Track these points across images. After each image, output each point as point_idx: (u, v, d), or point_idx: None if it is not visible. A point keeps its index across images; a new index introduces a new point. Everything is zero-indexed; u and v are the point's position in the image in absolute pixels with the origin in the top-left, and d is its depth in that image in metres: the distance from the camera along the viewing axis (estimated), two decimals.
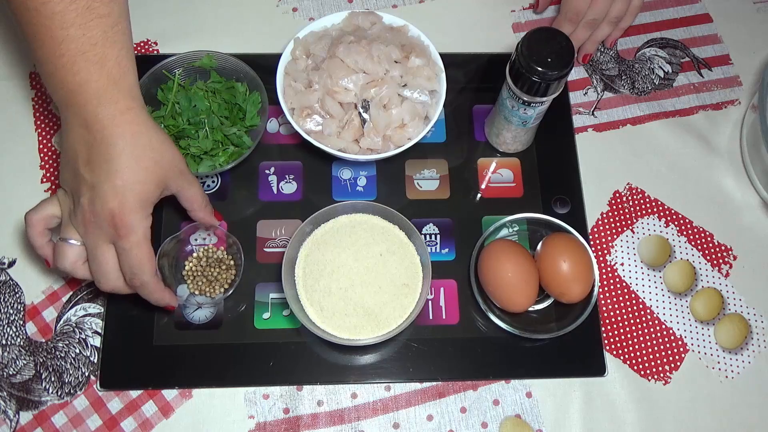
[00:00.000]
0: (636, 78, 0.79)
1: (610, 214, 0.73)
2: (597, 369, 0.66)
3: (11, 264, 0.68)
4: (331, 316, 0.61)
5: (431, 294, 0.68)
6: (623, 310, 0.69)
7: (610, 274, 0.71)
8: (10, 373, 0.65)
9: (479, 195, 0.73)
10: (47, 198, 0.58)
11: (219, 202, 0.71)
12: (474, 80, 0.77)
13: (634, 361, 0.67)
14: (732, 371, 0.67)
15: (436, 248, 0.70)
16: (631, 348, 0.68)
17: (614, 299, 0.70)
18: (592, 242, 0.72)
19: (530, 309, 0.67)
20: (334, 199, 0.71)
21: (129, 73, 0.53)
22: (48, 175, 0.72)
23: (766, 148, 0.67)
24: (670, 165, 0.75)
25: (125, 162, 0.52)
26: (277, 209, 0.70)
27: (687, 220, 0.73)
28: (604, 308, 0.69)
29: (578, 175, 0.73)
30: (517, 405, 0.65)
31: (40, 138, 0.73)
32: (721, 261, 0.72)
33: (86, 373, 0.65)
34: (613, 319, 0.69)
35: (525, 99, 0.63)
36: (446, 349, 0.66)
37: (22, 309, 0.67)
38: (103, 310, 0.67)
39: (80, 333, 0.66)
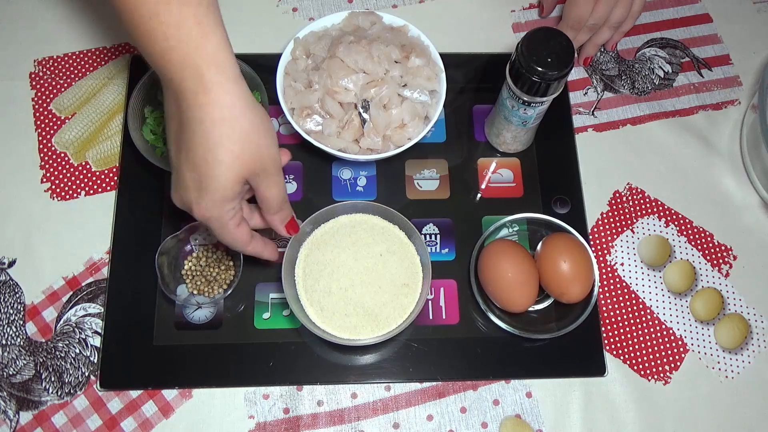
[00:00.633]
0: (636, 78, 0.79)
1: (610, 214, 0.73)
2: (597, 369, 0.66)
3: (11, 264, 0.68)
4: (331, 316, 0.61)
5: (431, 294, 0.68)
6: (623, 310, 0.69)
7: (610, 274, 0.71)
8: (10, 373, 0.65)
9: (479, 195, 0.73)
10: None
11: None
12: (474, 80, 0.77)
13: (634, 361, 0.67)
14: (732, 371, 0.67)
15: (436, 248, 0.70)
16: (631, 348, 0.68)
17: (614, 299, 0.70)
18: (592, 242, 0.72)
19: (530, 309, 0.67)
20: (334, 199, 0.71)
21: (212, 35, 0.46)
22: (48, 175, 0.72)
23: (766, 148, 0.67)
24: (670, 165, 0.75)
25: (201, 155, 0.48)
26: None
27: (687, 220, 0.73)
28: (604, 308, 0.69)
29: (578, 175, 0.73)
30: (517, 405, 0.65)
31: (40, 138, 0.74)
32: (721, 261, 0.72)
33: (86, 373, 0.65)
34: (613, 319, 0.69)
35: (525, 99, 0.63)
36: (446, 349, 0.66)
37: (22, 309, 0.67)
38: (103, 310, 0.67)
39: (80, 333, 0.66)
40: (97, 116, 0.75)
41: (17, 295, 0.67)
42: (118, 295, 0.67)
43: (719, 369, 0.67)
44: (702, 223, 0.73)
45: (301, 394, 0.65)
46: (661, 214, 0.73)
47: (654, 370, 0.67)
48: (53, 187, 0.72)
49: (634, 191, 0.74)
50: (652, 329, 0.69)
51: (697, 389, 0.67)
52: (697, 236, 0.72)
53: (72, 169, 0.72)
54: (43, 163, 0.72)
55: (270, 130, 0.50)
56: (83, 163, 0.73)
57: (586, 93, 0.78)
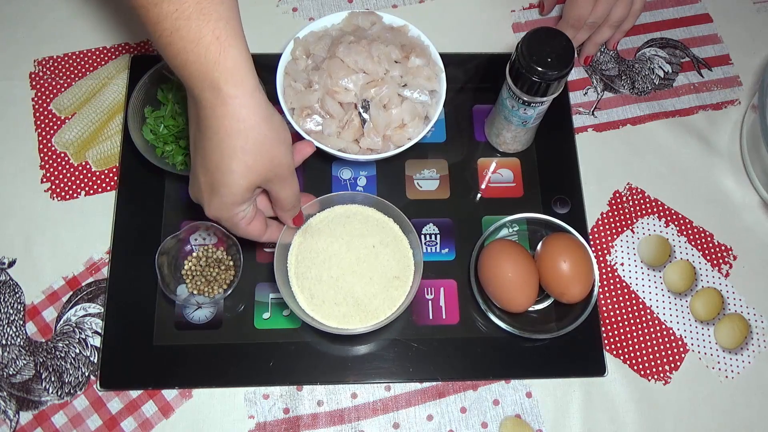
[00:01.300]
0: (636, 78, 0.79)
1: (610, 214, 0.73)
2: (597, 369, 0.66)
3: (11, 264, 0.68)
4: (321, 304, 0.61)
5: (431, 294, 0.68)
6: (623, 310, 0.69)
7: (610, 274, 0.71)
8: (10, 373, 0.65)
9: (479, 195, 0.73)
10: None
11: None
12: (474, 80, 0.77)
13: (634, 361, 0.67)
14: (732, 371, 0.67)
15: (436, 248, 0.70)
16: (631, 348, 0.68)
17: (614, 299, 0.70)
18: (592, 242, 0.72)
19: (530, 309, 0.67)
20: None
21: (231, 49, 0.47)
22: (48, 175, 0.72)
23: (766, 148, 0.67)
24: (670, 165, 0.75)
25: (215, 162, 0.49)
26: None
27: (687, 220, 0.73)
28: (604, 308, 0.69)
29: (578, 175, 0.73)
30: (517, 405, 0.65)
31: (40, 138, 0.74)
32: (721, 261, 0.72)
33: (86, 373, 0.65)
34: (613, 319, 0.69)
35: (525, 99, 0.63)
36: (446, 349, 0.66)
37: (22, 309, 0.67)
38: (103, 310, 0.67)
39: (80, 333, 0.66)
40: (97, 116, 0.75)
41: (17, 295, 0.67)
42: (118, 295, 0.67)
43: (719, 369, 0.67)
44: (702, 223, 0.73)
45: (301, 394, 0.65)
46: (661, 214, 0.73)
47: (654, 370, 0.67)
48: (53, 187, 0.72)
49: (634, 191, 0.74)
50: (652, 329, 0.69)
51: (697, 389, 0.67)
52: (697, 236, 0.72)
53: (72, 169, 0.72)
54: (43, 163, 0.72)
55: (284, 139, 0.52)
56: (83, 163, 0.73)
57: (586, 93, 0.78)
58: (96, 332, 0.66)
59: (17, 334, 0.66)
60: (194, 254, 0.68)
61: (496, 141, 0.73)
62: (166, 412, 0.64)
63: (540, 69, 0.59)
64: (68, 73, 0.76)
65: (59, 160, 0.73)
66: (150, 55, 0.77)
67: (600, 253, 0.71)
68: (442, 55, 0.69)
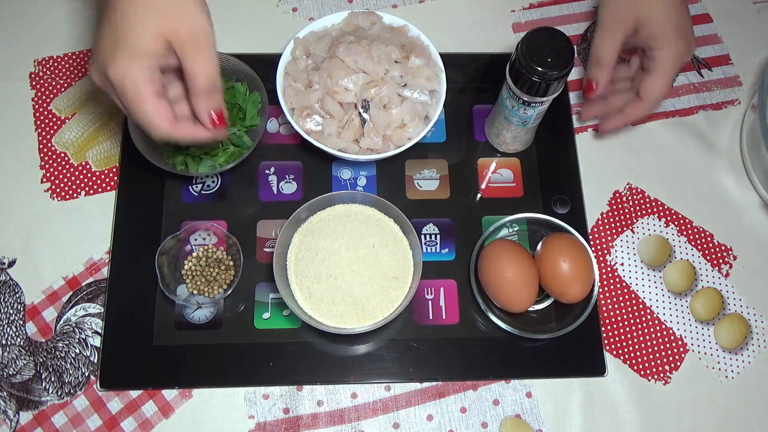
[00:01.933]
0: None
1: (610, 214, 0.73)
2: (597, 369, 0.66)
3: (11, 264, 0.68)
4: (319, 303, 0.61)
5: (431, 294, 0.68)
6: (623, 310, 0.69)
7: (610, 274, 0.71)
8: (10, 373, 0.65)
9: (479, 195, 0.73)
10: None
11: (219, 202, 0.71)
12: (474, 80, 0.77)
13: (634, 361, 0.67)
14: (732, 371, 0.67)
15: (436, 248, 0.70)
16: (631, 348, 0.68)
17: (614, 299, 0.70)
18: (592, 242, 0.72)
19: (530, 309, 0.67)
20: None
21: None
22: (48, 175, 0.72)
23: (766, 148, 0.67)
24: (670, 165, 0.75)
25: (120, 9, 0.47)
26: (277, 209, 0.70)
27: (687, 220, 0.73)
28: (604, 308, 0.69)
29: (578, 175, 0.73)
30: (517, 405, 0.65)
31: (40, 138, 0.74)
32: (721, 261, 0.72)
33: (86, 373, 0.65)
34: (613, 319, 0.69)
35: (525, 99, 0.63)
36: (446, 349, 0.66)
37: (22, 309, 0.67)
38: (103, 310, 0.67)
39: (80, 333, 0.66)
40: (97, 116, 0.75)
41: (17, 295, 0.67)
42: (118, 295, 0.67)
43: (719, 369, 0.67)
44: (702, 223, 0.73)
45: (301, 394, 0.65)
46: (661, 214, 0.73)
47: (654, 370, 0.67)
48: (53, 187, 0.72)
49: (634, 191, 0.74)
50: (652, 329, 0.69)
51: (697, 389, 0.67)
52: (697, 236, 0.72)
53: (72, 169, 0.72)
54: (43, 163, 0.72)
55: (201, 3, 0.49)
56: (83, 163, 0.73)
57: None
58: (96, 332, 0.66)
59: (17, 334, 0.66)
60: (194, 254, 0.68)
61: (496, 141, 0.73)
62: (166, 412, 0.64)
63: (540, 69, 0.59)
64: (68, 73, 0.76)
65: (59, 160, 0.73)
66: None
67: (600, 253, 0.71)
68: (442, 55, 0.69)
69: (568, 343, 0.66)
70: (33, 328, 0.66)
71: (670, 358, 0.68)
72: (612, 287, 0.70)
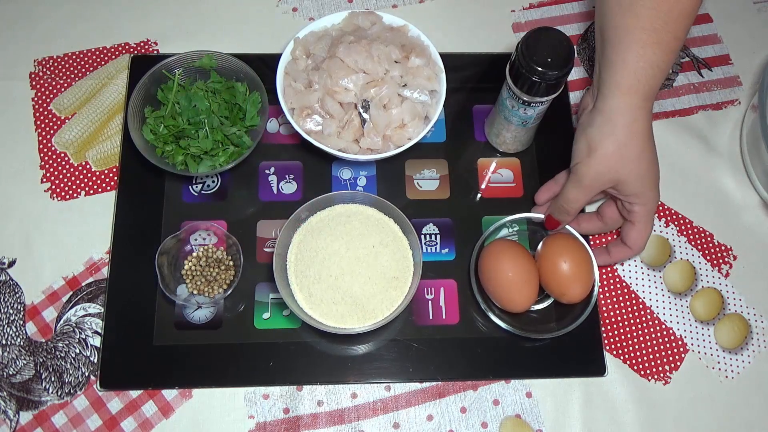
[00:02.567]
0: None
1: None
2: (597, 369, 0.66)
3: (11, 264, 0.68)
4: (319, 303, 0.61)
5: (431, 294, 0.68)
6: (623, 310, 0.69)
7: (610, 274, 0.71)
8: (10, 373, 0.65)
9: (479, 195, 0.73)
10: None
11: (219, 202, 0.71)
12: (474, 80, 0.77)
13: (634, 361, 0.67)
14: (732, 371, 0.67)
15: (436, 248, 0.70)
16: (631, 348, 0.68)
17: (614, 299, 0.70)
18: (592, 242, 0.72)
19: (530, 309, 0.67)
20: None
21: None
22: (48, 175, 0.72)
23: (766, 148, 0.67)
24: (670, 165, 0.75)
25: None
26: (277, 209, 0.71)
27: (687, 220, 0.73)
28: (604, 308, 0.69)
29: None
30: (517, 405, 0.65)
31: (40, 138, 0.74)
32: (721, 261, 0.72)
33: (86, 373, 0.65)
34: (613, 319, 0.69)
35: (525, 99, 0.63)
36: (446, 349, 0.66)
37: (22, 309, 0.67)
38: (103, 310, 0.67)
39: (80, 333, 0.66)
40: (97, 116, 0.75)
41: (17, 295, 0.67)
42: (118, 295, 0.67)
43: (719, 369, 0.67)
44: (702, 223, 0.73)
45: (301, 394, 0.65)
46: (661, 214, 0.73)
47: (654, 370, 0.67)
48: (53, 187, 0.72)
49: None
50: (652, 329, 0.69)
51: (697, 389, 0.67)
52: (697, 236, 0.72)
53: (72, 169, 0.72)
54: (43, 163, 0.72)
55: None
56: (83, 163, 0.73)
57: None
58: (96, 332, 0.66)
59: (17, 334, 0.66)
60: (194, 254, 0.68)
61: (496, 141, 0.73)
62: (166, 412, 0.64)
63: (540, 69, 0.59)
64: (68, 73, 0.76)
65: (59, 160, 0.73)
66: (150, 55, 0.77)
67: None
68: (442, 55, 0.69)
69: (568, 343, 0.66)
70: (33, 328, 0.66)
71: (670, 358, 0.68)
72: (612, 287, 0.70)
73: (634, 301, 0.70)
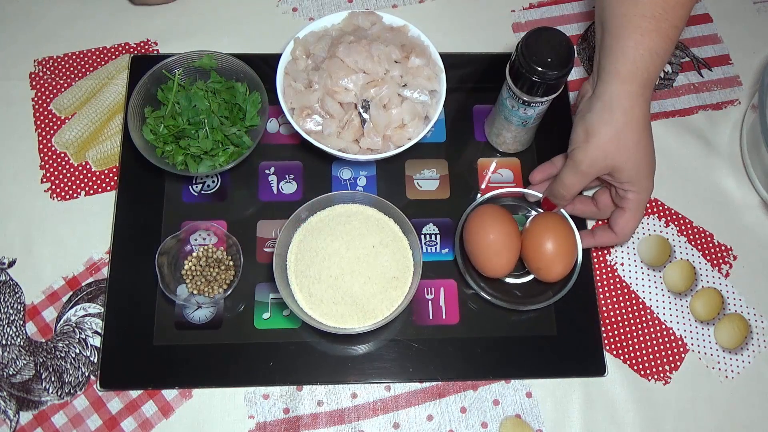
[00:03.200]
0: None
1: None
2: (597, 369, 0.66)
3: (11, 264, 0.68)
4: (319, 303, 0.61)
5: (431, 294, 0.68)
6: (623, 310, 0.69)
7: (610, 274, 0.71)
8: (10, 373, 0.65)
9: (479, 195, 0.73)
10: None
11: (219, 202, 0.71)
12: (474, 80, 0.77)
13: (634, 361, 0.67)
14: (732, 371, 0.67)
15: (436, 248, 0.70)
16: (631, 348, 0.68)
17: (614, 299, 0.70)
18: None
19: (510, 281, 0.68)
20: None
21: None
22: (48, 175, 0.72)
23: (766, 148, 0.67)
24: (670, 165, 0.75)
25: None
26: (277, 209, 0.71)
27: (687, 220, 0.73)
28: (604, 308, 0.69)
29: None
30: (517, 405, 0.65)
31: (40, 138, 0.74)
32: (721, 261, 0.72)
33: (86, 373, 0.65)
34: (613, 319, 0.69)
35: (525, 99, 0.63)
36: (446, 349, 0.66)
37: (22, 309, 0.67)
38: (103, 310, 0.67)
39: (80, 333, 0.66)
40: (97, 116, 0.75)
41: (17, 295, 0.67)
42: (118, 295, 0.67)
43: (719, 369, 0.67)
44: (702, 223, 0.73)
45: (301, 394, 0.65)
46: (661, 214, 0.73)
47: (654, 370, 0.67)
48: (53, 187, 0.72)
49: None
50: (652, 329, 0.69)
51: (697, 389, 0.67)
52: (697, 236, 0.72)
53: (72, 169, 0.72)
54: (43, 163, 0.72)
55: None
56: (83, 163, 0.73)
57: None
58: (96, 332, 0.66)
59: (17, 334, 0.66)
60: (194, 254, 0.68)
61: (496, 141, 0.73)
62: (166, 412, 0.64)
63: (540, 69, 0.59)
64: (68, 73, 0.76)
65: (59, 160, 0.73)
66: (150, 55, 0.77)
67: (600, 253, 0.71)
68: (442, 55, 0.69)
69: (568, 343, 0.66)
70: (33, 328, 0.66)
71: (670, 358, 0.68)
72: (612, 287, 0.70)
73: (634, 301, 0.70)
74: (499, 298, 0.66)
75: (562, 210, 0.68)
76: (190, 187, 0.71)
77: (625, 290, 0.70)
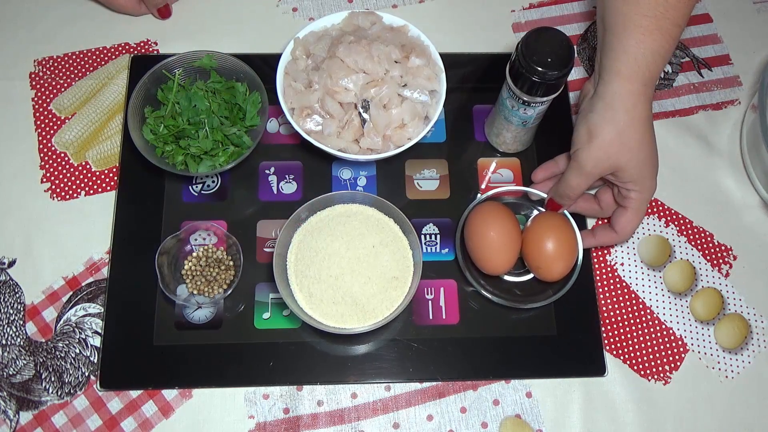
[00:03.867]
0: None
1: None
2: (597, 369, 0.66)
3: (11, 264, 0.68)
4: (319, 303, 0.61)
5: (431, 294, 0.68)
6: (623, 310, 0.69)
7: (610, 274, 0.71)
8: (10, 373, 0.65)
9: (479, 195, 0.73)
10: None
11: (219, 202, 0.71)
12: (474, 80, 0.77)
13: (634, 361, 0.67)
14: (732, 371, 0.67)
15: (436, 248, 0.70)
16: (631, 348, 0.68)
17: (614, 299, 0.70)
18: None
19: (510, 280, 0.68)
20: None
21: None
22: (48, 175, 0.72)
23: (766, 148, 0.67)
24: (670, 165, 0.75)
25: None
26: (277, 209, 0.71)
27: (687, 220, 0.73)
28: (604, 308, 0.69)
29: None
30: (517, 405, 0.65)
31: (40, 138, 0.74)
32: (721, 261, 0.72)
33: (86, 373, 0.65)
34: (613, 319, 0.69)
35: (525, 99, 0.63)
36: (446, 349, 0.66)
37: (22, 309, 0.67)
38: (103, 310, 0.67)
39: (80, 333, 0.66)
40: (97, 116, 0.75)
41: (17, 295, 0.67)
42: (118, 295, 0.67)
43: (719, 369, 0.67)
44: (702, 223, 0.73)
45: (301, 394, 0.65)
46: (661, 214, 0.73)
47: (654, 370, 0.67)
48: (53, 187, 0.72)
49: None
50: (652, 329, 0.69)
51: (697, 389, 0.67)
52: (697, 236, 0.72)
53: (72, 169, 0.72)
54: (43, 163, 0.72)
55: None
56: (83, 163, 0.73)
57: None
58: (96, 332, 0.66)
59: (17, 334, 0.66)
60: (194, 254, 0.68)
61: (496, 141, 0.73)
62: (166, 412, 0.64)
63: (540, 69, 0.59)
64: (68, 73, 0.76)
65: (59, 160, 0.73)
66: (150, 55, 0.77)
67: (600, 253, 0.71)
68: (442, 55, 0.69)
69: (568, 343, 0.66)
70: (33, 328, 0.66)
71: (670, 358, 0.68)
72: (612, 287, 0.70)
73: (634, 301, 0.70)
74: (498, 296, 0.66)
75: (564, 210, 0.68)
76: (190, 187, 0.71)
77: (625, 290, 0.70)
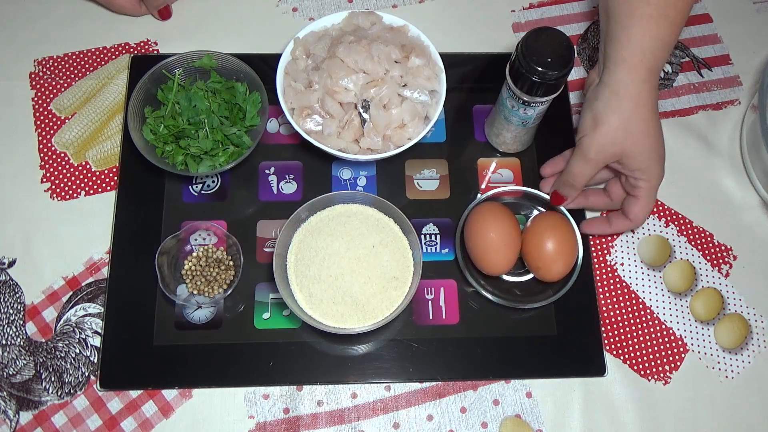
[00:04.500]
0: None
1: None
2: (597, 369, 0.66)
3: (11, 264, 0.68)
4: (319, 303, 0.61)
5: (431, 294, 0.68)
6: (623, 310, 0.69)
7: (610, 274, 0.71)
8: (10, 373, 0.65)
9: (479, 195, 0.73)
10: None
11: (219, 202, 0.71)
12: (474, 80, 0.77)
13: (634, 361, 0.67)
14: (732, 371, 0.67)
15: (436, 248, 0.70)
16: (631, 348, 0.68)
17: (614, 299, 0.70)
18: (592, 242, 0.72)
19: (510, 280, 0.68)
20: None
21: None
22: (48, 175, 0.72)
23: (766, 148, 0.67)
24: (670, 165, 0.74)
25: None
26: (277, 209, 0.71)
27: (687, 220, 0.73)
28: (604, 308, 0.69)
29: None
30: (517, 405, 0.65)
31: (40, 138, 0.74)
32: (721, 261, 0.72)
33: (86, 373, 0.65)
34: (613, 319, 0.69)
35: (525, 99, 0.63)
36: (446, 349, 0.66)
37: (22, 309, 0.67)
38: (103, 310, 0.67)
39: (80, 333, 0.66)
40: (97, 116, 0.75)
41: (17, 295, 0.67)
42: (118, 295, 0.67)
43: (719, 369, 0.67)
44: (702, 223, 0.73)
45: (301, 394, 0.65)
46: (661, 214, 0.73)
47: (654, 370, 0.67)
48: (53, 187, 0.72)
49: None
50: (652, 329, 0.69)
51: (697, 389, 0.67)
52: (697, 236, 0.72)
53: (72, 169, 0.72)
54: (43, 163, 0.72)
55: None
56: (83, 163, 0.73)
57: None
58: (96, 332, 0.66)
59: (17, 334, 0.66)
60: (194, 254, 0.68)
61: (496, 141, 0.73)
62: (166, 412, 0.64)
63: (540, 69, 0.59)
64: (68, 73, 0.76)
65: (59, 160, 0.73)
66: (150, 55, 0.77)
67: (600, 253, 0.71)
68: (442, 55, 0.69)
69: (568, 343, 0.66)
70: (33, 328, 0.66)
71: (670, 358, 0.68)
72: (612, 287, 0.70)
73: (634, 301, 0.70)
74: (498, 296, 0.66)
75: (564, 209, 0.68)
76: (190, 187, 0.71)
77: (625, 290, 0.70)
